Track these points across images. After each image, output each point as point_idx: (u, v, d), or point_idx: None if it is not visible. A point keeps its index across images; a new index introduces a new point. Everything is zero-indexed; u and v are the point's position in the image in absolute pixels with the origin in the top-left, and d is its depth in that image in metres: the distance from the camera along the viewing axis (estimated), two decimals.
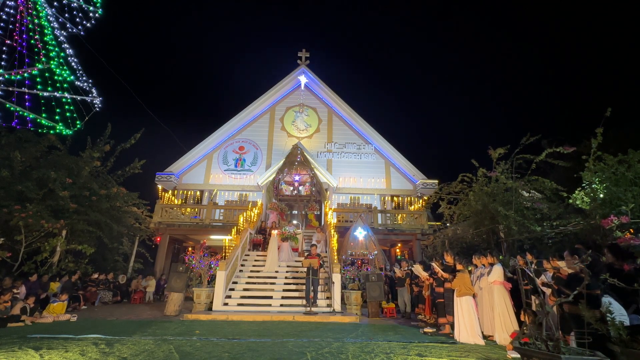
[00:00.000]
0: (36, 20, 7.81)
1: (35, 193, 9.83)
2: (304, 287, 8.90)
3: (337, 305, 8.52)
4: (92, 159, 11.85)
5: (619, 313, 3.99)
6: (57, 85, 7.85)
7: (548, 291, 5.32)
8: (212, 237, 14.99)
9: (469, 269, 6.50)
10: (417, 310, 8.37)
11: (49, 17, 8.00)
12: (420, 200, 15.58)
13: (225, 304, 8.59)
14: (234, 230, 11.38)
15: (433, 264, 6.90)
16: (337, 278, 8.83)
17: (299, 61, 18.71)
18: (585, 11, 42.16)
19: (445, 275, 6.44)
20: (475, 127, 52.78)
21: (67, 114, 8.03)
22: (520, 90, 50.44)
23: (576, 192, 7.62)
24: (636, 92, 24.87)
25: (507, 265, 6.91)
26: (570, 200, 7.78)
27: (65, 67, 7.97)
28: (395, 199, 16.84)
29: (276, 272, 10.33)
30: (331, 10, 64.65)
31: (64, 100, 7.98)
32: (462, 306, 5.70)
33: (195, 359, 4.31)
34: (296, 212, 16.52)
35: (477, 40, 56.56)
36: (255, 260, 11.11)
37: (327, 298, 9.07)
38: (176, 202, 15.49)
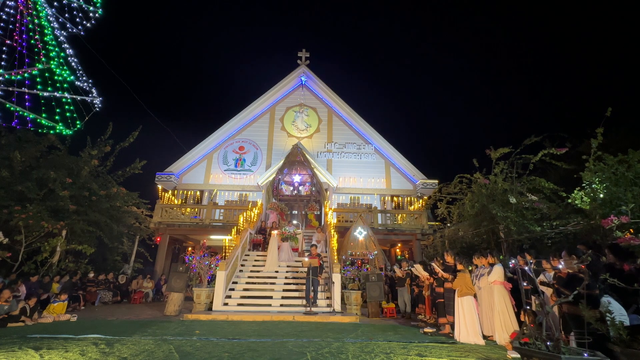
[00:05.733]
0: (36, 20, 7.82)
1: (35, 193, 9.82)
2: (304, 287, 8.90)
3: (337, 305, 8.52)
4: (90, 157, 11.85)
5: (618, 313, 3.99)
6: (57, 85, 7.85)
7: (547, 291, 5.32)
8: (212, 237, 14.98)
9: (469, 268, 6.50)
10: (417, 310, 8.37)
11: (49, 17, 8.01)
12: (420, 200, 15.57)
13: (225, 304, 8.60)
14: (234, 230, 11.39)
15: (433, 263, 6.90)
16: (337, 278, 8.83)
17: (299, 61, 18.69)
18: (585, 11, 42.18)
19: (446, 275, 6.44)
20: (475, 127, 52.81)
21: (67, 114, 8.04)
22: (520, 90, 50.48)
23: (575, 191, 7.61)
24: (636, 92, 24.87)
25: (507, 265, 6.91)
26: (570, 200, 7.77)
27: (65, 67, 7.98)
28: (395, 199, 16.83)
29: (276, 272, 10.33)
30: (331, 11, 64.69)
31: (64, 100, 7.99)
32: (464, 306, 5.70)
33: (195, 359, 4.31)
34: (296, 212, 16.52)
35: (478, 40, 56.61)
36: (255, 260, 11.11)
37: (327, 298, 9.07)
38: (176, 202, 15.49)
